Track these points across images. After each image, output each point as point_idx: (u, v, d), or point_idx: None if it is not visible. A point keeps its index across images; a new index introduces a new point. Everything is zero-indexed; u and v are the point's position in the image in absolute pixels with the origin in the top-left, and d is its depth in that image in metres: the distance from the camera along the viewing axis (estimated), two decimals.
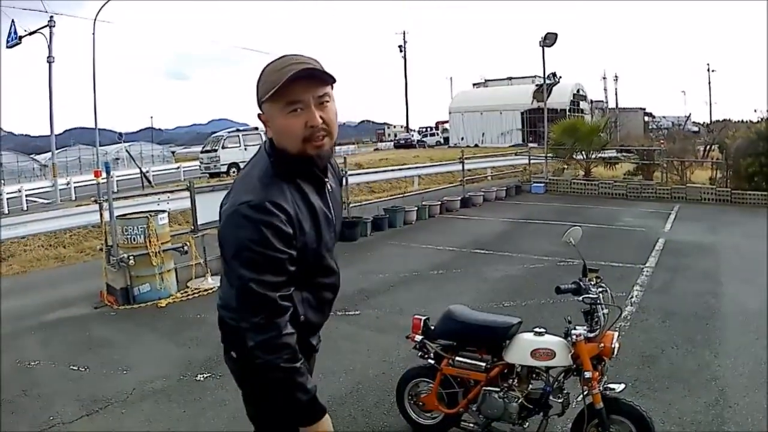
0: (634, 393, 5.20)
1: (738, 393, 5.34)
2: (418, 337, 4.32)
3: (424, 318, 4.35)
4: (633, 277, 9.27)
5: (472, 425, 4.29)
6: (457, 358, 4.18)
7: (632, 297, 8.21)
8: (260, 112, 2.26)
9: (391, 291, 8.65)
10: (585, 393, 3.82)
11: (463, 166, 18.73)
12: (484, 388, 4.09)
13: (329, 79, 2.15)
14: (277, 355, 2.12)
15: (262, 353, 2.12)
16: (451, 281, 9.10)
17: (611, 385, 3.88)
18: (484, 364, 4.09)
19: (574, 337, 3.73)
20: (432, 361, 4.32)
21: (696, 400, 5.21)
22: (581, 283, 3.83)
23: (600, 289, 3.81)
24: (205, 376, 5.80)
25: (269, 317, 2.11)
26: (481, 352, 4.15)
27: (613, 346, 3.76)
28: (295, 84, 2.06)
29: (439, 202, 16.30)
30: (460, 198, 17.33)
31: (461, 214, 16.44)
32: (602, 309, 3.77)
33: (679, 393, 5.34)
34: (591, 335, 3.74)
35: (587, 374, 3.71)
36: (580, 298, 3.76)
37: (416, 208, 14.69)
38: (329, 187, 2.37)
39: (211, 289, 8.79)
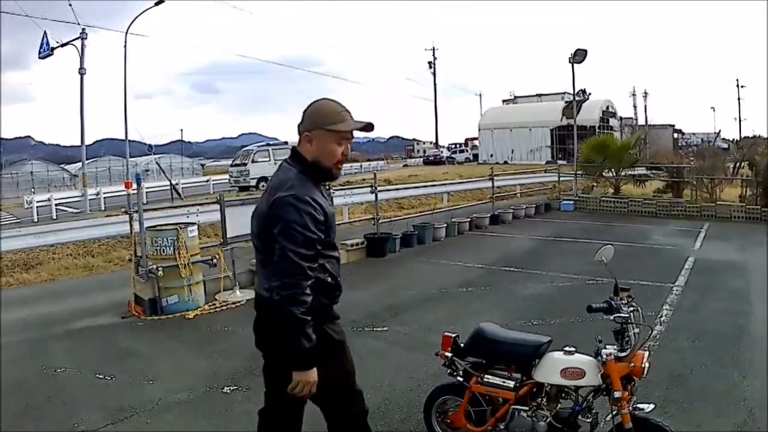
0: (663, 413, 5.18)
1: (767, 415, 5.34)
2: (448, 354, 4.30)
3: (453, 335, 4.34)
4: (662, 296, 9.23)
5: None
6: (486, 377, 4.16)
7: (661, 316, 8.18)
8: (308, 132, 3.15)
9: (419, 308, 8.64)
10: (614, 413, 3.81)
11: (492, 183, 18.76)
12: (512, 406, 4.09)
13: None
14: (297, 307, 2.87)
15: (285, 304, 2.88)
16: (480, 299, 9.13)
17: (641, 405, 3.85)
18: (513, 382, 4.05)
19: (604, 356, 3.69)
20: (461, 379, 4.31)
21: (725, 421, 5.19)
22: (613, 302, 3.78)
23: (631, 309, 3.76)
24: (231, 388, 5.84)
25: (297, 279, 2.89)
26: (511, 370, 4.10)
27: (643, 365, 3.73)
28: (351, 128, 3.16)
29: (469, 219, 16.30)
30: (489, 215, 17.31)
31: (490, 231, 16.44)
32: (633, 328, 3.73)
33: (707, 413, 5.33)
34: (621, 355, 3.70)
35: (617, 394, 3.67)
36: (612, 318, 3.73)
37: (445, 225, 14.70)
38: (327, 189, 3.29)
39: (239, 302, 8.84)
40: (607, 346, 3.75)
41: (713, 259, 12.30)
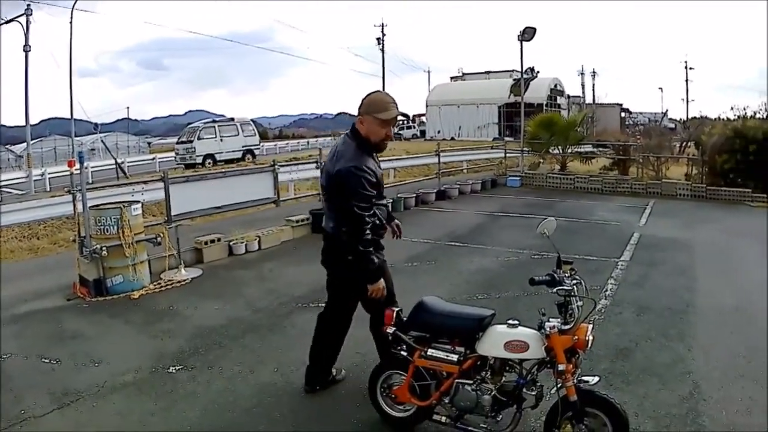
0: (608, 386, 5.19)
1: (712, 386, 5.34)
2: (391, 329, 4.28)
3: (396, 310, 4.33)
4: (607, 270, 9.28)
5: (444, 418, 4.24)
6: (430, 351, 4.15)
7: (606, 290, 8.21)
8: (361, 116, 4.43)
9: None
10: (559, 386, 3.78)
11: (439, 159, 18.75)
12: (456, 380, 4.05)
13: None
14: (363, 244, 4.30)
15: (356, 243, 4.29)
16: (426, 273, 9.02)
17: (585, 378, 3.84)
18: (456, 356, 4.05)
19: (548, 329, 3.69)
20: (404, 353, 4.28)
21: (670, 393, 5.19)
22: (555, 275, 3.78)
23: (574, 281, 3.77)
24: (177, 368, 5.70)
25: (361, 225, 4.26)
26: (454, 344, 4.10)
27: (587, 338, 3.73)
28: (395, 116, 4.46)
29: (415, 195, 16.23)
30: (435, 190, 17.27)
31: (437, 206, 16.37)
32: (576, 301, 3.74)
33: (653, 386, 5.33)
34: (565, 327, 3.71)
35: (561, 367, 3.67)
36: (554, 290, 3.72)
37: (391, 201, 14.53)
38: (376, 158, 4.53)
39: (185, 280, 8.65)
40: (551, 320, 3.74)
41: (658, 235, 12.44)
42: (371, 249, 4.37)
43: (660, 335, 6.57)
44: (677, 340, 6.46)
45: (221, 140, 33.21)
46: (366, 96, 4.46)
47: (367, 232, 4.29)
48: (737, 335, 6.61)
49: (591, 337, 3.78)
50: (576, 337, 3.71)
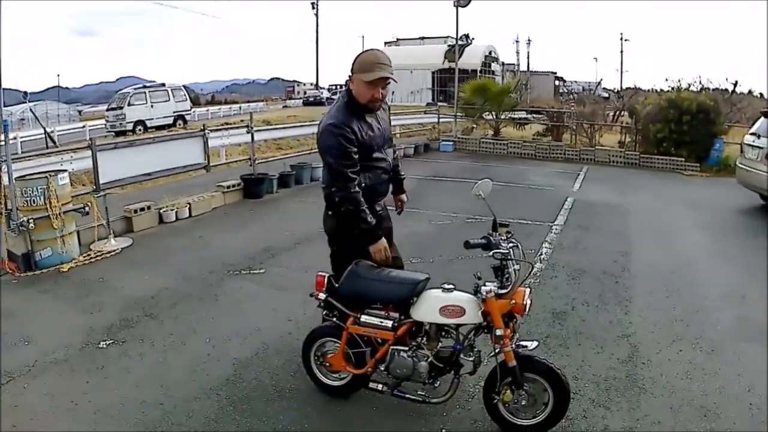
0: (546, 350, 5.07)
1: (650, 349, 5.28)
2: (322, 295, 4.11)
3: (327, 275, 4.15)
4: (542, 234, 9.21)
5: (381, 386, 4.07)
6: (363, 317, 3.97)
7: (541, 254, 8.12)
8: (350, 75, 4.10)
9: (296, 248, 8.30)
10: (497, 351, 3.66)
11: None
12: (392, 347, 3.89)
13: (391, 81, 4.08)
14: (350, 201, 3.98)
15: (344, 200, 3.99)
16: None
17: (524, 343, 3.74)
18: (391, 322, 3.88)
19: (484, 293, 3.56)
20: (337, 320, 4.09)
21: (609, 357, 5.10)
22: (491, 237, 3.65)
23: (511, 245, 3.65)
24: (107, 343, 5.35)
25: (344, 182, 3.96)
26: (388, 309, 3.93)
27: (524, 302, 3.62)
28: (380, 77, 3.99)
29: None
30: None
31: None
32: (513, 265, 3.62)
33: (591, 350, 5.23)
34: (502, 292, 3.59)
35: (499, 332, 3.55)
36: (490, 254, 3.58)
37: (322, 167, 14.27)
38: (378, 116, 4.24)
39: (115, 251, 8.18)
40: (487, 283, 3.62)
41: (592, 200, 12.47)
42: (362, 208, 4.01)
43: (596, 299, 6.49)
44: (613, 303, 6.38)
45: (152, 106, 32.92)
46: (358, 54, 4.19)
47: (355, 189, 3.98)
48: (673, 298, 6.58)
49: (528, 301, 3.68)
50: (513, 301, 3.60)
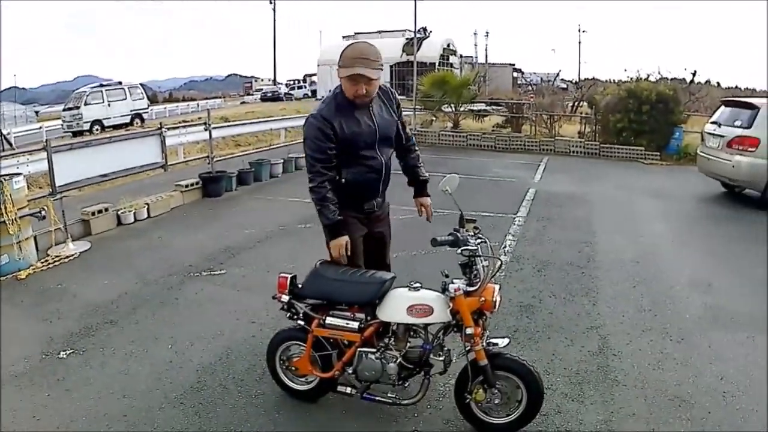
0: (516, 344, 5.00)
1: (620, 341, 5.25)
2: (285, 297, 3.96)
3: (290, 276, 3.99)
4: (505, 226, 9.15)
5: (349, 389, 3.94)
6: (328, 319, 3.84)
7: (506, 246, 8.06)
8: (338, 69, 3.80)
9: (257, 247, 8.11)
10: (467, 349, 3.57)
11: None
12: (359, 349, 3.77)
13: (373, 75, 3.75)
14: (315, 195, 3.88)
15: (311, 192, 3.89)
16: (320, 235, 8.43)
17: (494, 340, 3.67)
18: (357, 323, 3.76)
19: (452, 291, 3.47)
20: (302, 323, 3.94)
21: (579, 350, 5.05)
22: (459, 234, 3.59)
23: (479, 241, 3.57)
24: (68, 352, 5.10)
25: (314, 175, 3.85)
26: (354, 310, 3.82)
27: (494, 299, 3.52)
28: (356, 74, 3.71)
29: None
30: None
31: None
32: (481, 261, 3.56)
33: (561, 342, 5.18)
34: (470, 289, 3.50)
35: (469, 330, 3.46)
36: (459, 251, 3.50)
37: (282, 161, 14.14)
38: (372, 109, 3.95)
39: (73, 255, 7.85)
40: (455, 281, 3.53)
41: (554, 190, 12.49)
42: (326, 204, 3.86)
43: (563, 290, 6.44)
44: (581, 294, 6.34)
45: (109, 105, 32.45)
46: (346, 46, 3.93)
47: (323, 184, 3.84)
48: (640, 288, 6.57)
49: (498, 298, 3.58)
50: (483, 298, 3.50)
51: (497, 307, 3.58)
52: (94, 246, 8.16)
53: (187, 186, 10.97)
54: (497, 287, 3.59)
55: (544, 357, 4.87)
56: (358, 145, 3.89)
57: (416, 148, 4.48)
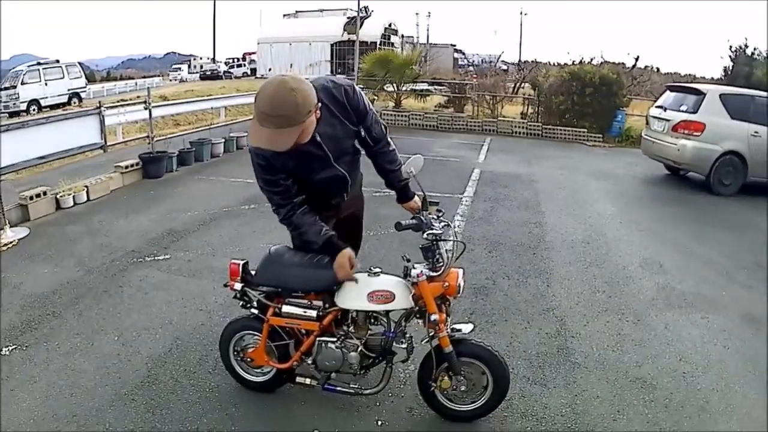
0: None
1: (578, 322, 5.22)
2: (238, 286, 3.70)
3: (242, 262, 3.73)
4: (452, 207, 9.02)
5: (309, 380, 3.73)
6: (285, 308, 3.61)
7: (455, 227, 7.90)
8: None
9: (201, 230, 7.76)
10: (431, 336, 3.44)
11: None
12: (318, 338, 3.57)
13: (288, 136, 2.99)
14: (289, 226, 3.48)
15: (285, 224, 3.48)
16: (265, 216, 8.27)
17: (458, 326, 3.51)
18: (315, 311, 3.54)
19: (414, 277, 3.32)
20: (256, 311, 3.71)
21: (537, 332, 4.99)
22: (422, 217, 3.44)
23: (443, 224, 3.46)
24: (10, 348, 4.69)
25: (278, 208, 3.42)
26: (311, 297, 3.60)
27: (458, 283, 3.42)
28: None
29: (247, 133, 15.32)
30: None
31: None
32: (445, 245, 3.45)
33: (519, 325, 5.10)
34: (434, 274, 3.36)
35: (433, 317, 3.32)
36: (424, 235, 3.35)
37: (224, 140, 13.79)
38: (317, 134, 3.21)
39: (12, 243, 7.32)
40: (416, 265, 3.38)
41: (499, 171, 12.47)
42: (301, 228, 3.41)
43: (516, 272, 6.37)
44: (534, 275, 6.29)
45: (46, 84, 31.16)
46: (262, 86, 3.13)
47: (289, 213, 3.38)
48: (593, 269, 6.55)
49: (462, 282, 3.47)
50: (446, 283, 3.37)
51: (462, 291, 3.46)
52: (33, 232, 7.64)
53: (127, 167, 10.51)
54: (461, 271, 3.48)
55: (502, 340, 4.78)
56: (310, 176, 3.40)
57: (391, 148, 3.79)
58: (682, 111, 11.32)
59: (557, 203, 9.71)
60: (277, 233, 7.24)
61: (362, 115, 3.50)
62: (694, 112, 11.02)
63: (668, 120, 11.49)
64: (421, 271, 3.30)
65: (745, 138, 10.71)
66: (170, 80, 58.56)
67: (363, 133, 3.56)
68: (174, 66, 70.30)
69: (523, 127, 19.36)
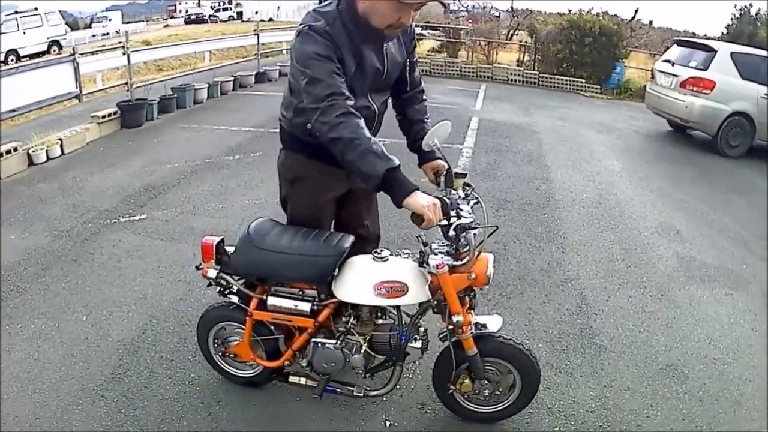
0: (487, 302, 4.37)
1: (599, 297, 4.72)
2: (212, 272, 3.00)
3: (216, 240, 3.01)
4: (453, 158, 8.36)
5: (304, 380, 3.10)
6: (271, 299, 2.92)
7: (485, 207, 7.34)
8: None
9: (182, 184, 7.08)
10: (451, 336, 2.78)
11: (258, 39, 17.13)
12: (314, 339, 2.91)
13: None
14: (338, 135, 2.47)
15: (330, 138, 2.49)
16: (250, 167, 7.74)
17: (483, 319, 2.84)
18: (308, 305, 2.86)
19: (433, 267, 2.56)
20: (236, 298, 3.05)
21: (557, 308, 4.48)
22: (447, 197, 2.56)
23: (473, 202, 2.72)
24: None
25: (328, 109, 2.48)
26: (303, 285, 2.91)
27: (488, 273, 2.67)
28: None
29: (232, 78, 14.61)
30: (254, 72, 15.78)
31: (256, 89, 14.83)
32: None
33: (536, 299, 4.58)
34: (458, 263, 2.61)
35: (457, 319, 2.65)
36: (451, 225, 2.53)
37: (207, 86, 12.99)
38: (387, 46, 2.74)
39: None
40: (436, 251, 2.63)
41: (498, 120, 11.83)
42: (359, 142, 2.44)
43: (527, 234, 5.85)
44: (547, 240, 5.76)
45: (24, 33, 29.87)
46: None
47: (342, 117, 2.44)
48: (608, 233, 6.04)
49: (492, 270, 2.70)
50: (473, 274, 2.63)
51: (490, 280, 2.71)
52: (3, 192, 6.83)
53: (104, 117, 9.72)
54: (490, 257, 2.73)
55: (520, 318, 4.27)
56: (353, 92, 2.59)
57: (425, 97, 3.17)
58: (692, 67, 10.67)
59: (562, 157, 9.12)
60: (265, 188, 6.75)
61: (412, 48, 2.99)
62: (704, 69, 10.38)
63: (676, 75, 10.82)
64: (442, 262, 2.56)
65: (755, 99, 10.12)
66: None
67: (406, 69, 2.98)
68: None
69: (519, 75, 18.59)
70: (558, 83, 17.79)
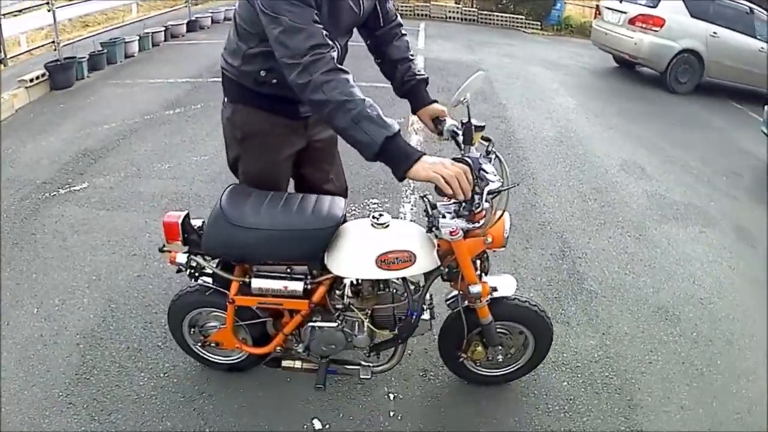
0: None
1: (579, 239, 4.59)
2: (181, 257, 2.53)
3: (181, 217, 2.48)
4: (404, 101, 8.16)
5: (299, 363, 2.71)
6: (255, 282, 2.45)
7: (412, 123, 7.05)
8: None
9: (122, 145, 6.41)
10: (463, 302, 2.45)
11: None
12: (310, 324, 2.53)
13: None
14: (327, 90, 2.02)
15: (314, 93, 2.03)
16: (193, 121, 7.21)
17: (493, 281, 2.51)
18: (300, 284, 2.42)
19: (446, 234, 2.18)
20: (211, 281, 2.59)
21: (541, 254, 4.31)
22: (469, 158, 2.13)
23: (493, 158, 2.29)
24: None
25: (312, 63, 2.03)
26: (291, 263, 2.46)
27: (505, 234, 2.33)
28: None
29: (164, 28, 13.80)
30: (186, 21, 14.91)
31: (189, 38, 14.00)
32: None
33: (518, 245, 4.40)
34: (474, 226, 2.23)
35: (475, 289, 2.33)
36: (482, 192, 2.11)
37: (138, 38, 12.22)
38: None
39: None
40: (445, 212, 2.22)
41: (444, 58, 11.46)
42: (352, 100, 2.01)
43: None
44: (517, 180, 5.57)
45: None
46: None
47: (328, 70, 2.01)
48: (575, 172, 5.91)
49: (508, 230, 2.36)
50: (489, 237, 2.26)
51: (506, 242, 2.37)
52: None
53: (32, 80, 8.91)
54: (507, 216, 2.32)
55: (505, 265, 4.07)
56: (342, 25, 2.33)
57: (403, 31, 2.77)
58: (641, 4, 10.58)
59: (515, 95, 8.86)
60: (212, 142, 6.25)
61: None
62: (654, 7, 10.30)
63: (624, 12, 10.70)
64: (456, 227, 2.17)
65: (704, 37, 10.12)
66: None
67: (378, 3, 2.55)
68: None
69: (457, 12, 18.17)
70: (498, 20, 17.48)
